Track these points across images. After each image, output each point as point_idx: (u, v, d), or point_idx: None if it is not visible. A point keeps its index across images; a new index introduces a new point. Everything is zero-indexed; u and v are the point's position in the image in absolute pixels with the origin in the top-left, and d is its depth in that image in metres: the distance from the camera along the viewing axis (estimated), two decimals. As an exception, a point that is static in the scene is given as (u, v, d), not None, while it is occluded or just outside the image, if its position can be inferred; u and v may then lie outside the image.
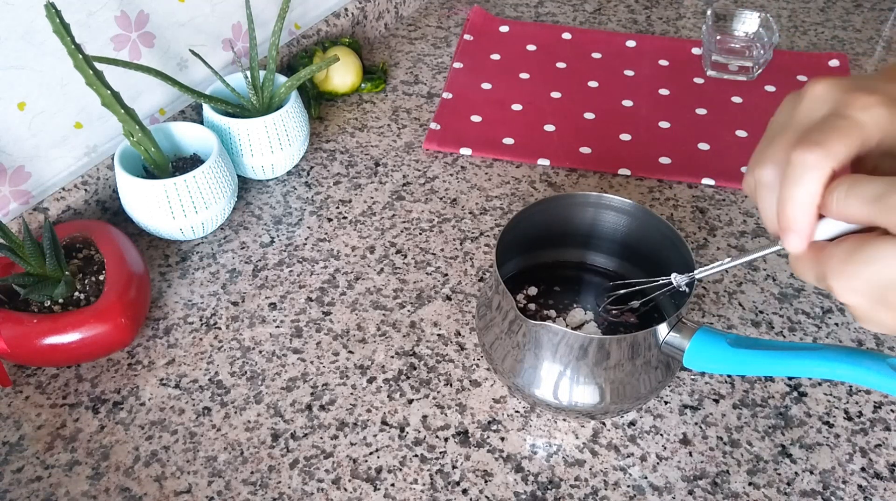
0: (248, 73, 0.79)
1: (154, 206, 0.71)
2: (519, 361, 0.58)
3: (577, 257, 0.69)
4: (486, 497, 0.58)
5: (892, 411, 0.64)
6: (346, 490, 0.58)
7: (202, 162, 0.76)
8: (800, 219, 0.40)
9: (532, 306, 0.67)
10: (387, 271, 0.75)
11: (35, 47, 0.67)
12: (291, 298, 0.72)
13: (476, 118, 0.92)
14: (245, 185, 0.84)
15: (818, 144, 0.39)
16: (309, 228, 0.79)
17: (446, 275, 0.74)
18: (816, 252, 0.40)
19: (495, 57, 1.02)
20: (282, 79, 0.83)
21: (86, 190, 0.75)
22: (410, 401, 0.64)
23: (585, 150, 0.88)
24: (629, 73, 1.00)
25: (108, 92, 0.67)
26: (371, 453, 0.61)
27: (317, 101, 0.92)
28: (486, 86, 0.97)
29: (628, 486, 0.59)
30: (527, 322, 0.55)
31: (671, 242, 0.60)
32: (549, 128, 0.91)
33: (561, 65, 1.01)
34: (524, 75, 0.99)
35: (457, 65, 1.00)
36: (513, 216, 0.61)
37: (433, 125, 0.91)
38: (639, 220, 0.64)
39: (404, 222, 0.80)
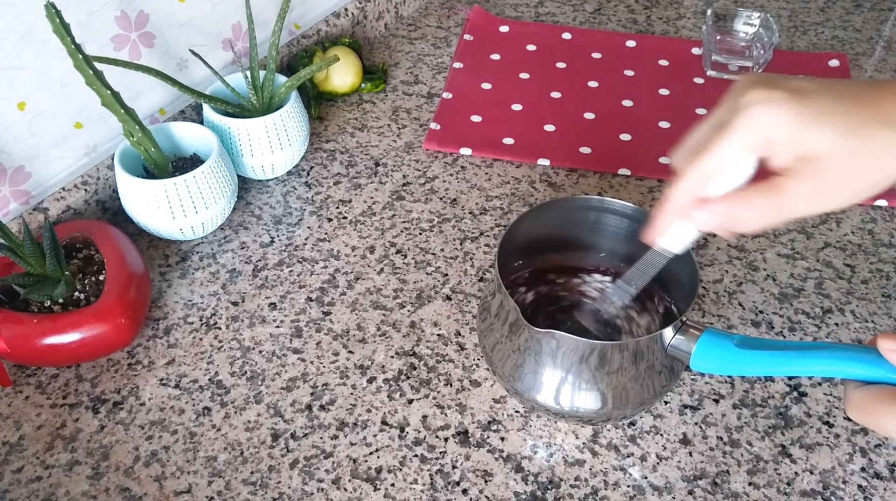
0: (248, 73, 0.79)
1: (154, 206, 0.71)
2: (519, 365, 0.58)
3: (579, 260, 0.69)
4: (486, 497, 0.58)
5: (891, 411, 0.64)
6: (346, 490, 0.58)
7: (202, 162, 0.76)
8: (658, 215, 0.47)
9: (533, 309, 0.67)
10: (387, 271, 0.75)
11: (35, 47, 0.67)
12: (291, 298, 0.72)
13: (476, 118, 0.92)
14: (245, 185, 0.84)
15: (689, 165, 0.44)
16: (309, 228, 0.79)
17: (446, 275, 0.74)
18: None
19: (495, 57, 1.02)
20: (282, 79, 0.83)
21: (86, 190, 0.75)
22: (410, 401, 0.64)
23: (585, 150, 0.88)
24: (629, 73, 1.00)
25: (108, 92, 0.67)
26: (371, 453, 0.61)
27: (317, 101, 0.92)
28: (486, 86, 0.97)
29: (628, 486, 0.59)
30: (528, 327, 0.55)
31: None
32: (549, 128, 0.91)
33: (561, 65, 1.01)
34: (524, 75, 0.99)
35: (457, 65, 1.00)
36: (514, 220, 0.61)
37: (433, 125, 0.91)
38: (640, 223, 0.63)
39: (404, 222, 0.80)
